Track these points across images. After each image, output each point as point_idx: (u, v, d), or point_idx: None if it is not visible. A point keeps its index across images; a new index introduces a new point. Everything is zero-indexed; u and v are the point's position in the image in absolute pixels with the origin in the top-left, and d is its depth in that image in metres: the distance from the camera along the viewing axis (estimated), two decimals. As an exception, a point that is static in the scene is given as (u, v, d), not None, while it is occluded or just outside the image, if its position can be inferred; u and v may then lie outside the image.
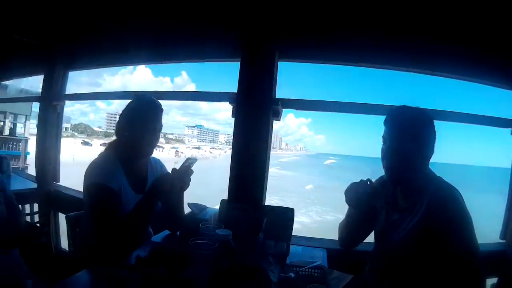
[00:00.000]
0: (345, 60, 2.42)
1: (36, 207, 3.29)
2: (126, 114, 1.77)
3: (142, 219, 1.63)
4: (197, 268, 1.29)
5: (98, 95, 3.25)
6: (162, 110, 1.80)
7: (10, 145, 17.50)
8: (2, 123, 21.85)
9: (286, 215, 1.90)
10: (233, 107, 2.31)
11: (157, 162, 1.99)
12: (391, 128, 1.50)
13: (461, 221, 1.33)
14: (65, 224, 1.97)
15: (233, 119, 2.32)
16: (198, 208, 1.99)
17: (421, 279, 1.38)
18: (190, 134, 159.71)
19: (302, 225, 15.52)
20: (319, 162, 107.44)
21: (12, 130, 22.01)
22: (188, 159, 1.69)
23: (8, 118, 22.00)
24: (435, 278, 1.35)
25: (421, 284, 1.39)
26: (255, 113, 2.25)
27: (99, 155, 1.80)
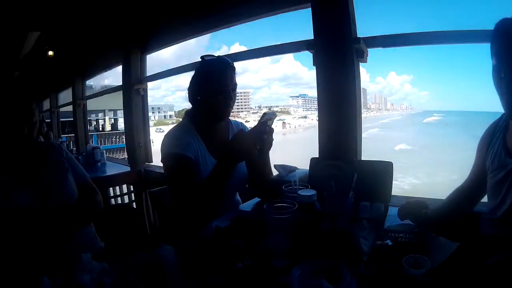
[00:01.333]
0: None
1: (131, 188, 3.50)
2: (195, 79, 1.70)
3: (218, 186, 1.51)
4: (276, 236, 1.13)
5: (178, 70, 3.25)
6: (233, 68, 1.67)
7: (114, 139, 19.44)
8: (102, 121, 24.34)
9: (383, 170, 1.61)
10: (313, 55, 2.08)
11: (239, 125, 1.90)
12: (505, 43, 1.08)
13: None
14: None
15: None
16: (285, 170, 1.81)
17: None
18: (295, 105, 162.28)
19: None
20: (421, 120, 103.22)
21: (114, 125, 24.41)
22: (264, 114, 1.49)
23: (108, 114, 24.43)
24: None
25: None
26: (336, 56, 1.99)
27: (176, 124, 1.77)
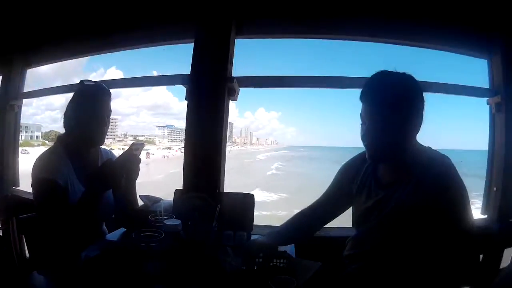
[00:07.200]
0: (312, 33, 2.36)
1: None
2: (70, 103, 1.74)
3: (85, 214, 1.54)
4: (146, 262, 1.21)
5: (58, 89, 3.13)
6: (109, 94, 1.76)
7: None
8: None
9: (244, 201, 1.82)
10: (186, 89, 2.23)
11: (108, 153, 1.95)
12: (367, 102, 1.34)
13: (458, 197, 1.25)
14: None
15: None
16: (150, 200, 1.89)
17: (405, 259, 1.29)
18: (161, 135, 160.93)
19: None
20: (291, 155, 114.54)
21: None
22: (133, 144, 1.59)
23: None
24: (422, 257, 1.25)
25: (405, 265, 1.29)
26: (209, 93, 2.17)
27: (47, 149, 1.76)
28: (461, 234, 1.22)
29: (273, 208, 19.06)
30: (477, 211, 2.38)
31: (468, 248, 1.24)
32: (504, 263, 2.23)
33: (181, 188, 2.11)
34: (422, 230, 1.25)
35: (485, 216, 2.41)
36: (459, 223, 1.22)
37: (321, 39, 2.43)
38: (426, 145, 1.41)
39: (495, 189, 2.34)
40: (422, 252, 1.25)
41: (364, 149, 1.41)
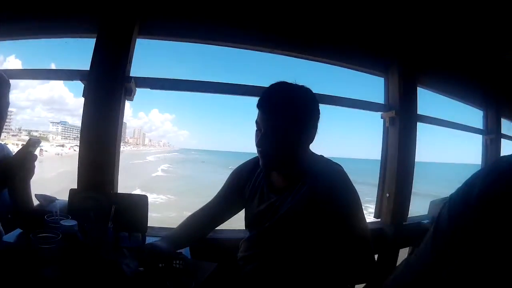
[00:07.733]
0: (217, 40, 2.39)
1: None
2: None
3: None
4: (44, 264, 1.15)
5: None
6: (9, 85, 1.58)
7: None
8: None
9: (139, 203, 1.76)
10: (84, 86, 2.10)
11: (4, 148, 1.78)
12: (265, 110, 1.37)
13: (350, 202, 1.32)
14: None
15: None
16: (46, 200, 1.81)
17: (297, 259, 1.36)
18: (55, 131, 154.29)
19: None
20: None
21: None
22: (30, 140, 1.50)
23: None
24: (315, 258, 1.32)
25: (297, 265, 1.36)
26: (106, 91, 2.08)
27: None
28: (355, 235, 1.30)
29: (163, 209, 18.83)
30: (370, 215, 2.62)
31: (363, 249, 1.32)
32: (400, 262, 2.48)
33: (76, 187, 1.99)
34: (314, 233, 1.31)
35: (379, 220, 2.64)
36: (353, 226, 1.30)
37: (224, 47, 2.41)
38: (319, 153, 1.48)
39: (387, 195, 2.58)
40: (315, 253, 1.32)
41: (257, 154, 1.44)
